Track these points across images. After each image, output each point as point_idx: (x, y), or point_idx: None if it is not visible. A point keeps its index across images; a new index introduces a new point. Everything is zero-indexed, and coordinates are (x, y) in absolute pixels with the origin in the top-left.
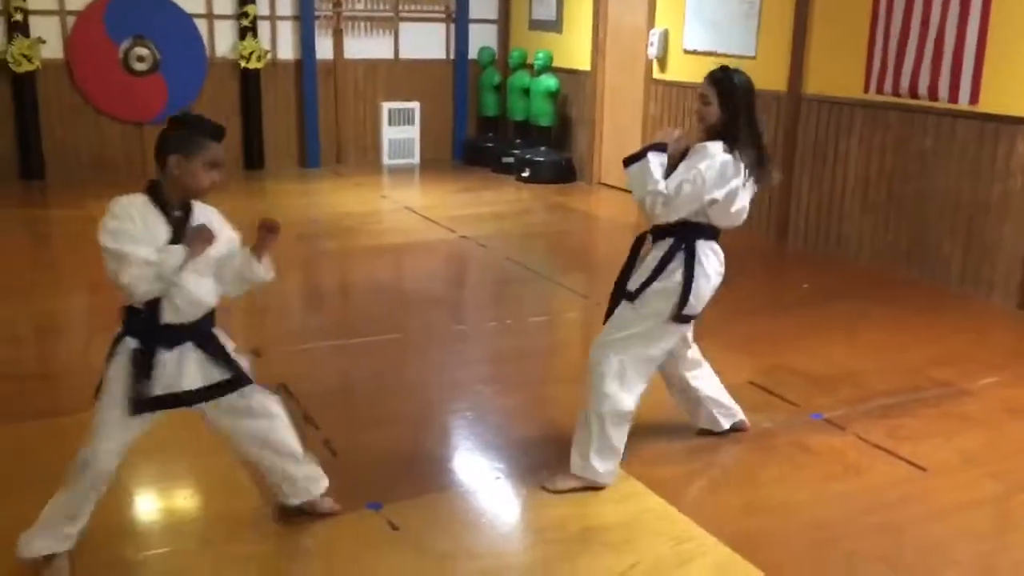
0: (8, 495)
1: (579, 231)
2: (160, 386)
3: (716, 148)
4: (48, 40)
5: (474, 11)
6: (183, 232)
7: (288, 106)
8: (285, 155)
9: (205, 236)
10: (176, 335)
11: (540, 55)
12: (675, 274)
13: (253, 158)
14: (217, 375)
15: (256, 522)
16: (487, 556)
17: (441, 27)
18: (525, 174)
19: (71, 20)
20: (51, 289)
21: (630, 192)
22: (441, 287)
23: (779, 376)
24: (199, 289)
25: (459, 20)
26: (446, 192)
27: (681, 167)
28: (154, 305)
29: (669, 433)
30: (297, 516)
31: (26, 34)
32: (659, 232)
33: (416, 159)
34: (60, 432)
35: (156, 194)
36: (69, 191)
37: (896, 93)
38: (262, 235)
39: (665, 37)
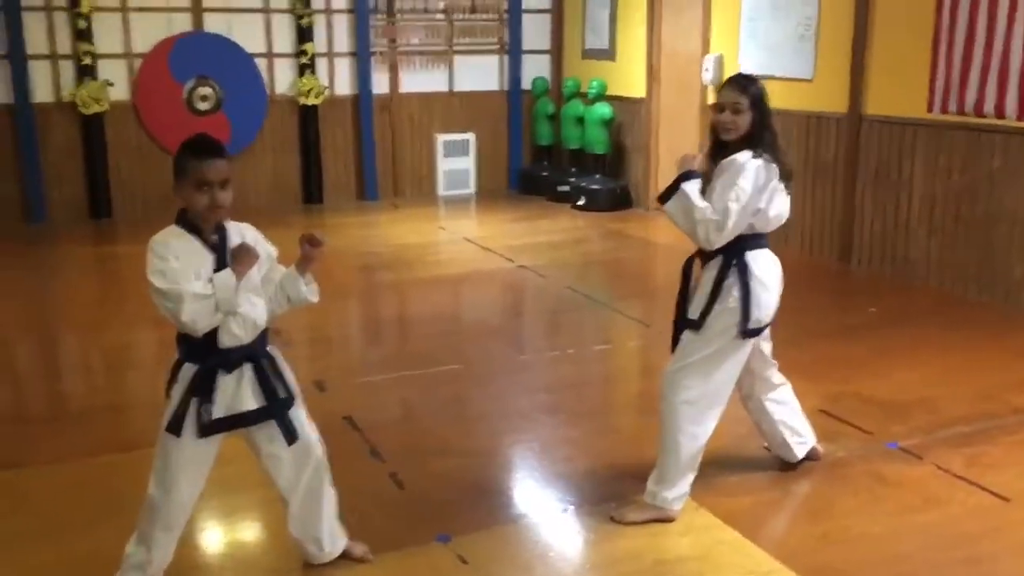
0: (83, 529)
1: (637, 258)
2: (222, 408)
3: (746, 157)
4: (115, 82)
5: (527, 42)
6: (223, 254)
7: (346, 140)
8: (344, 189)
9: (249, 255)
10: (234, 357)
11: (594, 83)
12: (732, 291)
13: (312, 193)
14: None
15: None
16: None
17: (495, 59)
18: (581, 202)
19: (137, 62)
20: (120, 324)
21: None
22: (500, 317)
23: (850, 403)
24: (253, 311)
25: (512, 51)
26: (503, 222)
27: (717, 187)
28: (211, 332)
29: (742, 464)
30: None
31: (94, 77)
32: (707, 253)
33: (472, 189)
34: (132, 465)
35: (188, 223)
36: (136, 229)
37: (961, 112)
38: (305, 250)
39: (720, 62)
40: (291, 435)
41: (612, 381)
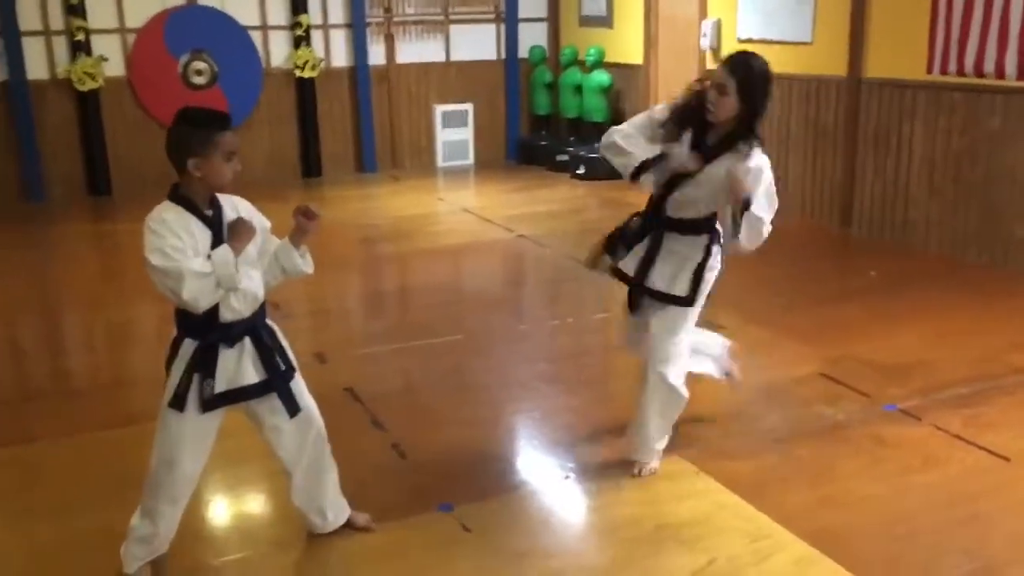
0: (91, 504)
1: None
2: (224, 382)
3: (763, 161)
4: (110, 58)
5: (524, 10)
6: (220, 228)
7: (343, 113)
8: (342, 161)
9: (246, 230)
10: (235, 331)
11: (591, 51)
12: (713, 262)
13: (311, 166)
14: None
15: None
16: (561, 555)
17: (491, 28)
18: (580, 171)
19: (131, 38)
20: (121, 300)
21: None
22: (500, 287)
23: (850, 366)
24: (251, 284)
25: (509, 20)
26: (502, 192)
27: (760, 194)
28: (211, 307)
29: (742, 429)
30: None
31: (88, 53)
32: (686, 226)
33: (471, 160)
34: (136, 440)
35: (183, 198)
36: (135, 205)
37: (961, 73)
38: (300, 222)
39: (718, 27)
40: (293, 407)
41: (611, 350)
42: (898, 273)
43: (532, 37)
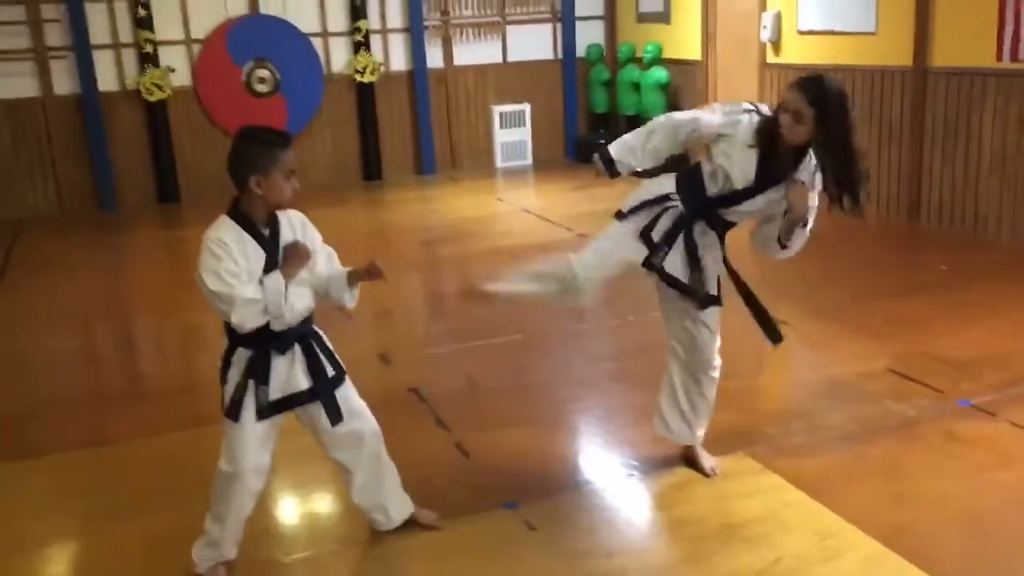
0: (170, 503)
1: None
2: (278, 389)
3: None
4: (177, 68)
5: (580, 9)
6: (275, 249)
7: (403, 116)
8: (402, 164)
9: (301, 256)
10: (285, 339)
11: (649, 48)
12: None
13: (371, 169)
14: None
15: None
16: (625, 554)
17: (548, 27)
18: (639, 168)
19: (196, 48)
20: (191, 304)
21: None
22: None
23: (920, 362)
24: (300, 303)
25: (565, 19)
26: (561, 191)
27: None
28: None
29: (808, 426)
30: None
31: (156, 64)
32: (722, 224)
33: (529, 160)
34: (207, 441)
35: (242, 216)
36: (202, 211)
37: None
38: (366, 274)
39: (778, 19)
40: (335, 417)
41: None
42: (968, 266)
43: (589, 35)
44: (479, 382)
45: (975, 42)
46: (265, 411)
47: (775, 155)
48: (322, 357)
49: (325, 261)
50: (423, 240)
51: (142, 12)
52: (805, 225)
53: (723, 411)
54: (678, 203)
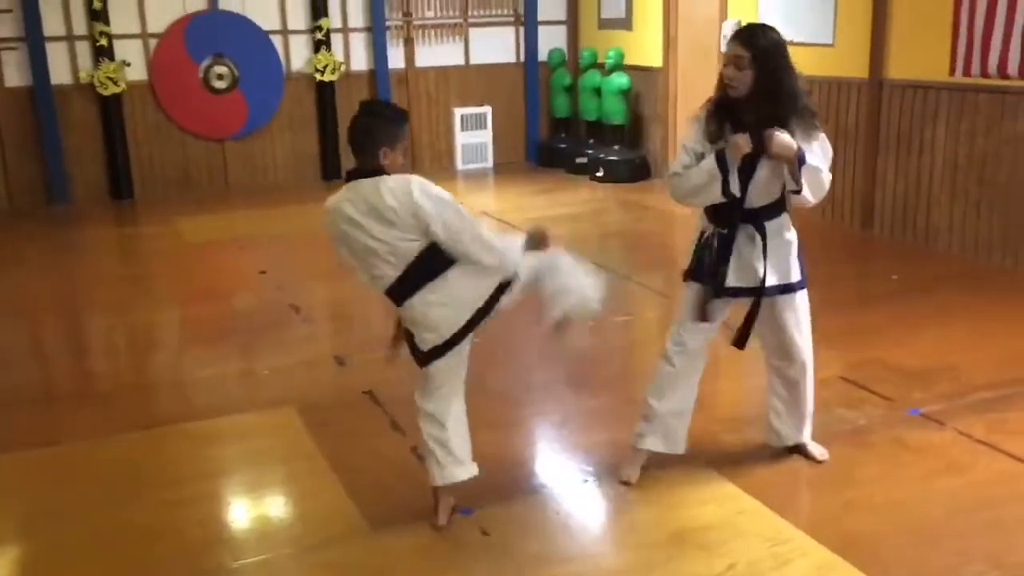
0: (112, 503)
1: (656, 229)
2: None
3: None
4: (132, 62)
5: (542, 13)
6: None
7: None
8: None
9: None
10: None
11: (611, 53)
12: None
13: (331, 168)
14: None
15: (349, 528)
16: (579, 560)
17: (510, 30)
18: (599, 174)
19: (153, 42)
20: (142, 303)
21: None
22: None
23: (872, 371)
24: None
25: (527, 23)
26: (521, 195)
27: (815, 148)
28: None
29: (761, 434)
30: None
31: (111, 58)
32: (770, 211)
33: (490, 163)
34: (157, 442)
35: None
36: (157, 209)
37: (984, 74)
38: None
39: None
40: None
41: (632, 352)
42: (920, 276)
43: (551, 40)
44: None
45: (929, 56)
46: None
47: (735, 113)
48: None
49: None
50: None
51: (97, 4)
52: (802, 163)
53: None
54: (714, 229)
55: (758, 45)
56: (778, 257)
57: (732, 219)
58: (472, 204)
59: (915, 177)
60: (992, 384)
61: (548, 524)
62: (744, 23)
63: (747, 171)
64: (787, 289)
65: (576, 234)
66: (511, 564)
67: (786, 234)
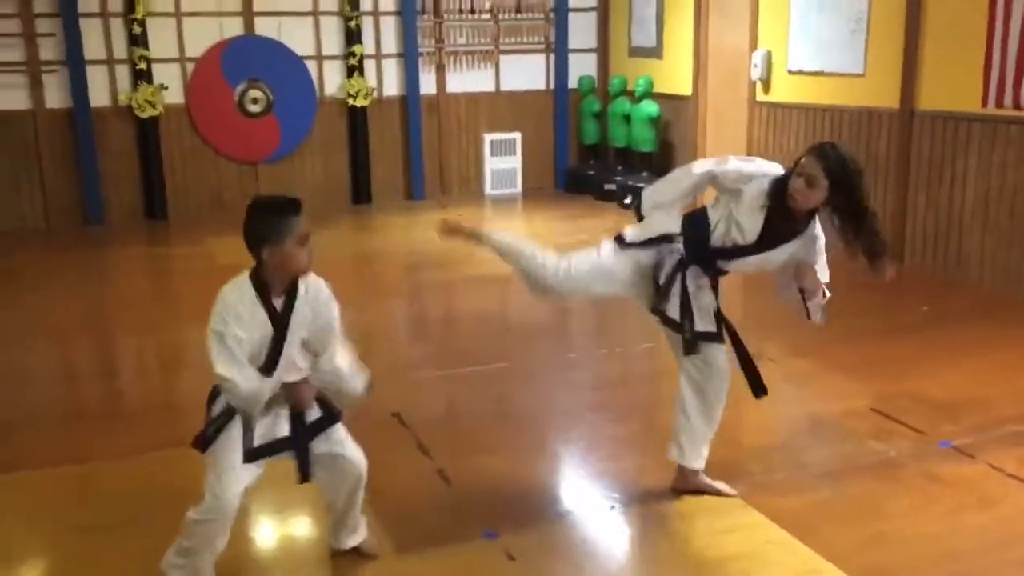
0: (135, 524)
1: None
2: (260, 436)
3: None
4: (169, 86)
5: (573, 41)
6: (287, 321)
7: (394, 141)
8: (391, 188)
9: (300, 399)
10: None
11: (640, 81)
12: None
13: (361, 193)
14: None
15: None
16: None
17: (541, 58)
18: (628, 201)
19: (190, 66)
20: (174, 323)
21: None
22: (547, 316)
23: (902, 403)
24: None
25: (558, 50)
26: (549, 220)
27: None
28: None
29: (790, 463)
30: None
31: (149, 81)
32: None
33: (519, 188)
34: (185, 462)
35: (260, 283)
36: (190, 230)
37: (1017, 106)
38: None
39: (768, 58)
40: (304, 473)
41: (659, 379)
42: (951, 308)
43: (581, 67)
44: (463, 409)
45: (961, 87)
46: (249, 456)
47: (783, 216)
48: (308, 410)
49: (335, 354)
50: (408, 264)
51: (137, 29)
52: (825, 296)
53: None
54: (680, 245)
55: (836, 173)
56: (705, 306)
57: (701, 256)
58: (500, 229)
59: (946, 208)
60: (1023, 417)
61: (574, 550)
62: (768, 50)
63: (748, 249)
64: (712, 338)
65: None
66: None
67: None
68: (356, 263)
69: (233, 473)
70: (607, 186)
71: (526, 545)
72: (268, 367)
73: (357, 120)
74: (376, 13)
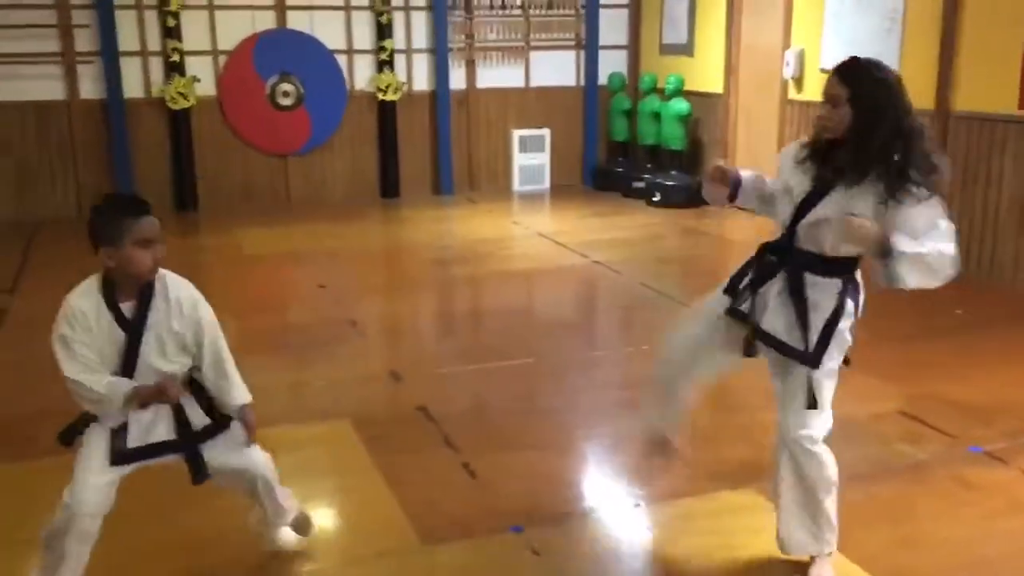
0: (159, 513)
1: (712, 255)
2: (136, 438)
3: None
4: (202, 78)
5: (604, 38)
6: (141, 327)
7: (423, 136)
8: (420, 183)
9: (166, 394)
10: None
11: (671, 79)
12: (847, 317)
13: (389, 187)
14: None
15: (400, 542)
16: None
17: (571, 54)
18: (656, 198)
19: (223, 59)
20: None
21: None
22: (574, 312)
23: (933, 406)
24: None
25: (589, 47)
26: (577, 217)
27: (921, 225)
28: None
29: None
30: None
31: (182, 73)
32: (825, 268)
33: (547, 185)
34: None
35: (107, 285)
36: (220, 221)
37: None
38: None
39: (801, 56)
40: (198, 474)
41: None
42: (984, 312)
43: (612, 64)
44: (489, 403)
45: (998, 89)
46: (120, 458)
47: (824, 157)
48: (189, 409)
49: (210, 362)
50: (436, 259)
51: (171, 21)
52: (888, 255)
53: (732, 445)
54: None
55: (857, 82)
56: (790, 312)
57: (786, 247)
58: (528, 225)
59: (981, 211)
60: None
61: (599, 547)
62: (801, 48)
63: (807, 204)
64: (782, 347)
65: (632, 258)
66: None
67: (825, 301)
68: (384, 257)
69: (91, 475)
70: (636, 184)
71: (550, 540)
72: (125, 372)
73: (387, 114)
74: (407, 8)
